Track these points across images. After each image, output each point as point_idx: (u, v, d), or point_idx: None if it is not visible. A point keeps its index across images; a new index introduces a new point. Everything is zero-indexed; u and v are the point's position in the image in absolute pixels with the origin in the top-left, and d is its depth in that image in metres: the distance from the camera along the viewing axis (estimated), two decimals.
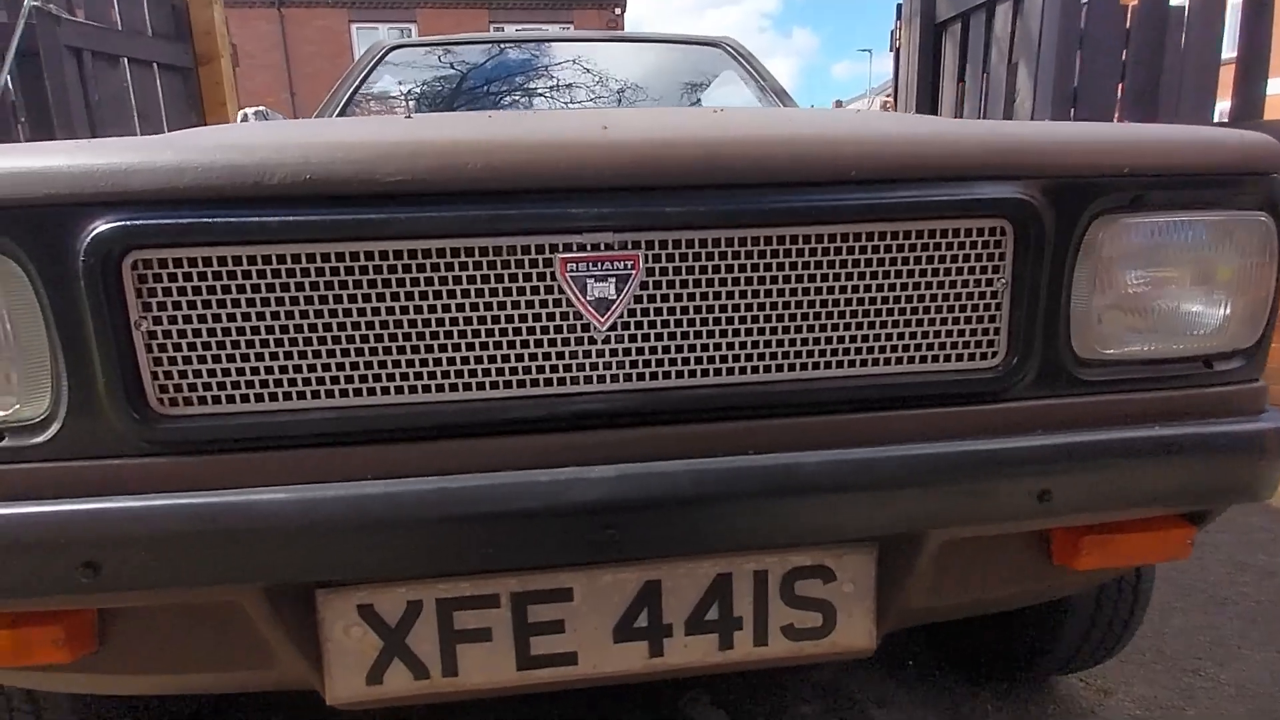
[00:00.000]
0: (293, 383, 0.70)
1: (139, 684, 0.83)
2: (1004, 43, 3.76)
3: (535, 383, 0.72)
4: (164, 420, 0.69)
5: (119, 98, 3.65)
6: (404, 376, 0.71)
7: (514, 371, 0.71)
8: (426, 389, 0.71)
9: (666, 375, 0.73)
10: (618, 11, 18.06)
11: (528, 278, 0.69)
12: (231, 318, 0.68)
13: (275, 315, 0.68)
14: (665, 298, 0.71)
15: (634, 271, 0.70)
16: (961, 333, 0.76)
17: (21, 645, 0.73)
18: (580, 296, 0.70)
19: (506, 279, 0.69)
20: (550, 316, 0.71)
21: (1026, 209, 0.72)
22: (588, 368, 0.72)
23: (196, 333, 0.68)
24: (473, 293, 0.69)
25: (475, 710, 1.34)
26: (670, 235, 0.70)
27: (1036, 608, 1.20)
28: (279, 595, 0.74)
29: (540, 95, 2.40)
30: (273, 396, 0.70)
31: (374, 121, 0.93)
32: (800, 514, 0.74)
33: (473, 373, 0.71)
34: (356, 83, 2.30)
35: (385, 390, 0.71)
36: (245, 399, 0.70)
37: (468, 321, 0.70)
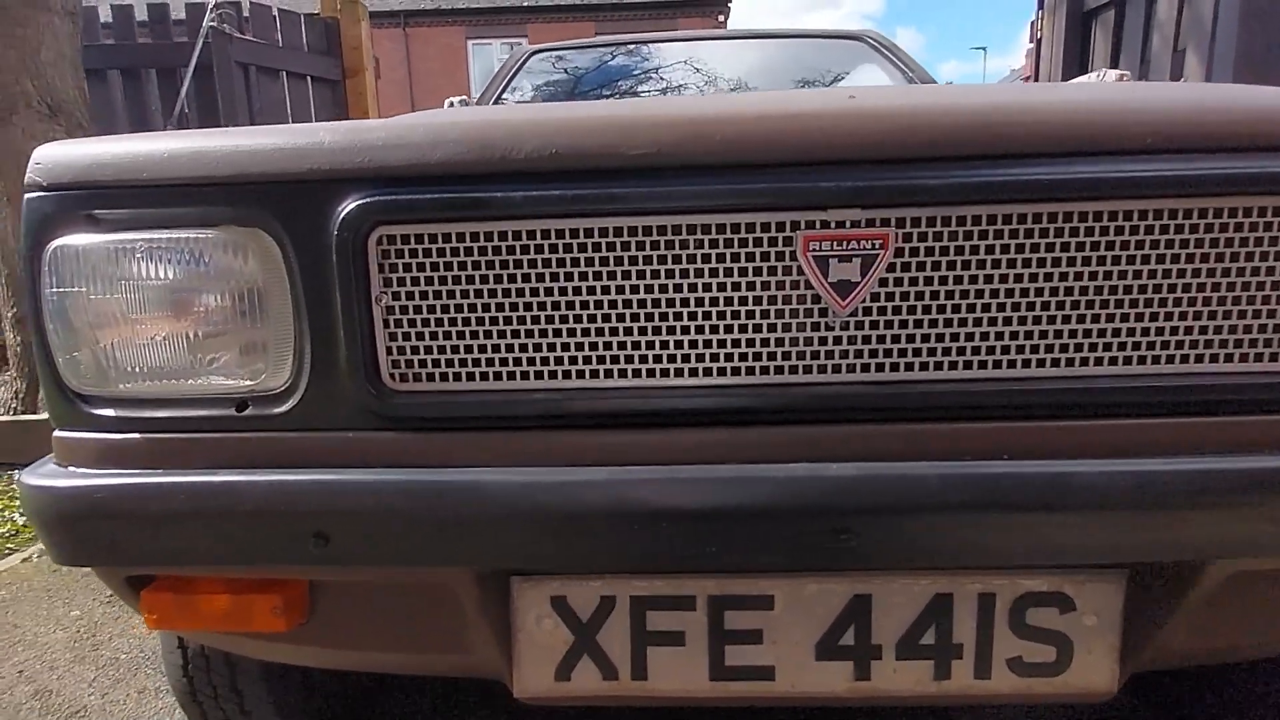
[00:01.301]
0: (519, 362, 0.68)
1: (337, 658, 0.84)
2: (1168, 27, 3.45)
3: (765, 370, 0.67)
4: (397, 395, 0.69)
5: (277, 107, 3.94)
6: (629, 359, 0.68)
7: (743, 358, 0.67)
8: (651, 373, 0.68)
9: (910, 367, 0.67)
10: (720, 18, 18.03)
11: (765, 256, 0.65)
12: (465, 294, 0.67)
13: (508, 292, 0.67)
14: (914, 281, 0.65)
15: (882, 252, 0.65)
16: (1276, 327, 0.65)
17: (243, 611, 0.75)
18: (821, 278, 0.65)
19: (743, 258, 0.65)
20: (786, 299, 0.66)
21: None
22: (822, 355, 0.67)
23: (431, 309, 0.68)
24: (706, 272, 0.66)
25: None
26: (927, 212, 0.64)
27: None
28: (488, 580, 0.73)
29: (685, 93, 2.38)
30: (498, 376, 0.69)
31: (602, 103, 0.91)
32: (1049, 531, 0.66)
33: (699, 357, 0.67)
34: (503, 85, 2.36)
35: (609, 373, 0.68)
36: (473, 377, 0.69)
37: (699, 303, 0.66)
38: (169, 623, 0.77)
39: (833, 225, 0.65)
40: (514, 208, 0.64)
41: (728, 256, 0.65)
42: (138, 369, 0.71)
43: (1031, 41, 4.33)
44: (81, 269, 0.68)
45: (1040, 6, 4.19)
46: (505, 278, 0.67)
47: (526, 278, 0.67)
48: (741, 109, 0.65)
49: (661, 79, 2.43)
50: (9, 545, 2.31)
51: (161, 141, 0.67)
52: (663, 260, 0.66)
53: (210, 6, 3.56)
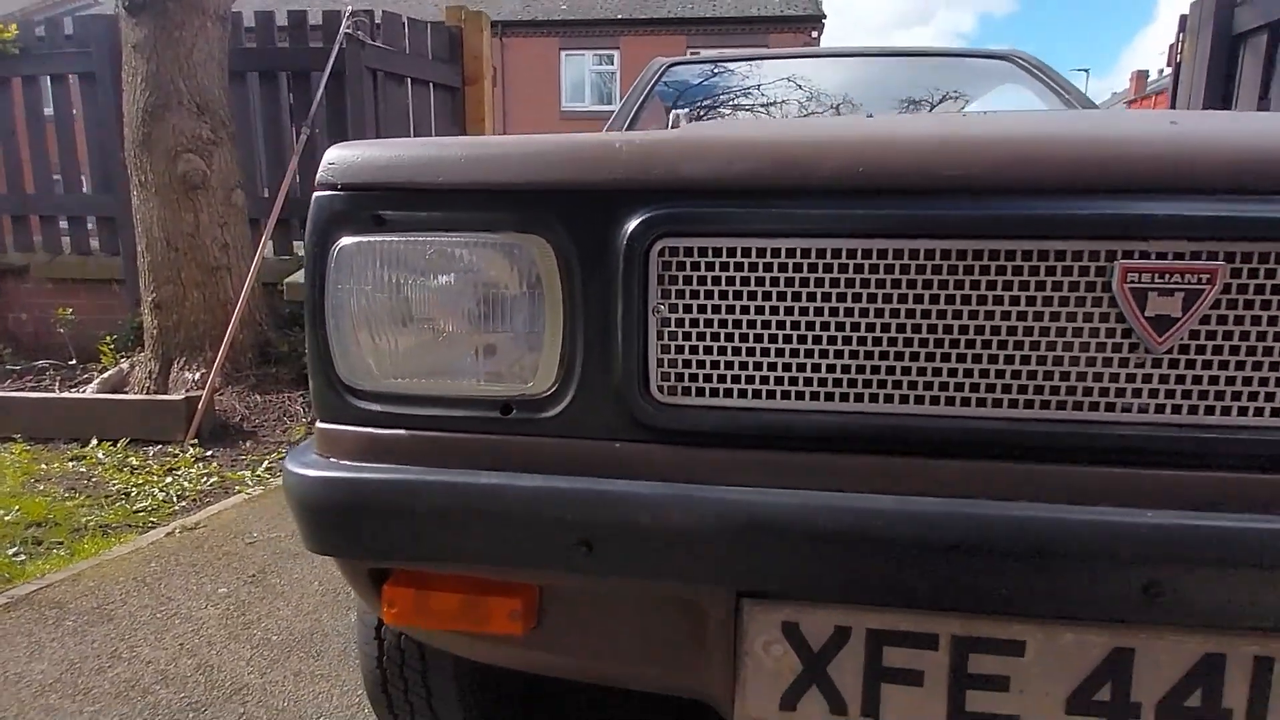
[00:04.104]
0: (794, 382, 0.67)
1: (558, 665, 0.84)
2: None
3: (1063, 405, 0.64)
4: (665, 408, 0.68)
5: (400, 113, 4.09)
6: (912, 385, 0.65)
7: (1039, 390, 0.64)
8: (936, 400, 0.65)
9: (1228, 411, 0.62)
10: (814, 34, 17.87)
11: (1076, 286, 0.62)
12: (745, 310, 0.66)
13: (790, 310, 0.65)
14: (1240, 319, 0.61)
15: (1209, 287, 0.60)
16: None
17: (481, 612, 0.76)
18: (1137, 312, 0.61)
19: (1050, 286, 0.62)
20: (1094, 332, 0.62)
21: None
22: (1129, 393, 0.63)
23: (708, 323, 0.67)
24: (1007, 299, 0.63)
25: None
26: (1261, 247, 0.59)
27: None
28: (739, 600, 0.71)
29: (821, 109, 2.35)
30: (771, 394, 0.67)
31: (907, 119, 0.87)
32: None
33: (991, 387, 0.64)
34: (642, 98, 2.37)
35: (889, 399, 0.66)
36: (744, 394, 0.67)
37: (995, 331, 0.63)
38: (407, 619, 0.78)
39: (1153, 256, 0.60)
40: (811, 224, 0.62)
41: (1032, 284, 0.62)
42: (408, 366, 0.72)
43: (1170, 65, 4.11)
44: (366, 267, 0.70)
45: (1182, 29, 3.97)
46: (790, 295, 0.65)
47: (812, 296, 0.65)
48: (1062, 132, 0.62)
49: (802, 94, 2.40)
50: (150, 519, 2.45)
51: (454, 147, 0.69)
52: (960, 285, 0.63)
53: (348, 14, 3.72)
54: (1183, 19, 4.05)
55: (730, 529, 0.65)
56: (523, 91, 17.44)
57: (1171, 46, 4.10)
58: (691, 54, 2.83)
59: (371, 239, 0.70)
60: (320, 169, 0.72)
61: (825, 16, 17.34)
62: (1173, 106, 4.11)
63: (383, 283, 0.70)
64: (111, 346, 4.07)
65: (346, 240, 0.71)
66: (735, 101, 2.44)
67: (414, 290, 0.70)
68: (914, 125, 0.67)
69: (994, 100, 2.47)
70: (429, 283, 0.70)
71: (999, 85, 2.46)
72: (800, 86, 2.41)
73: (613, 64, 17.82)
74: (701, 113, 2.37)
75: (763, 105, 2.38)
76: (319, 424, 0.76)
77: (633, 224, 0.65)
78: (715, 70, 2.66)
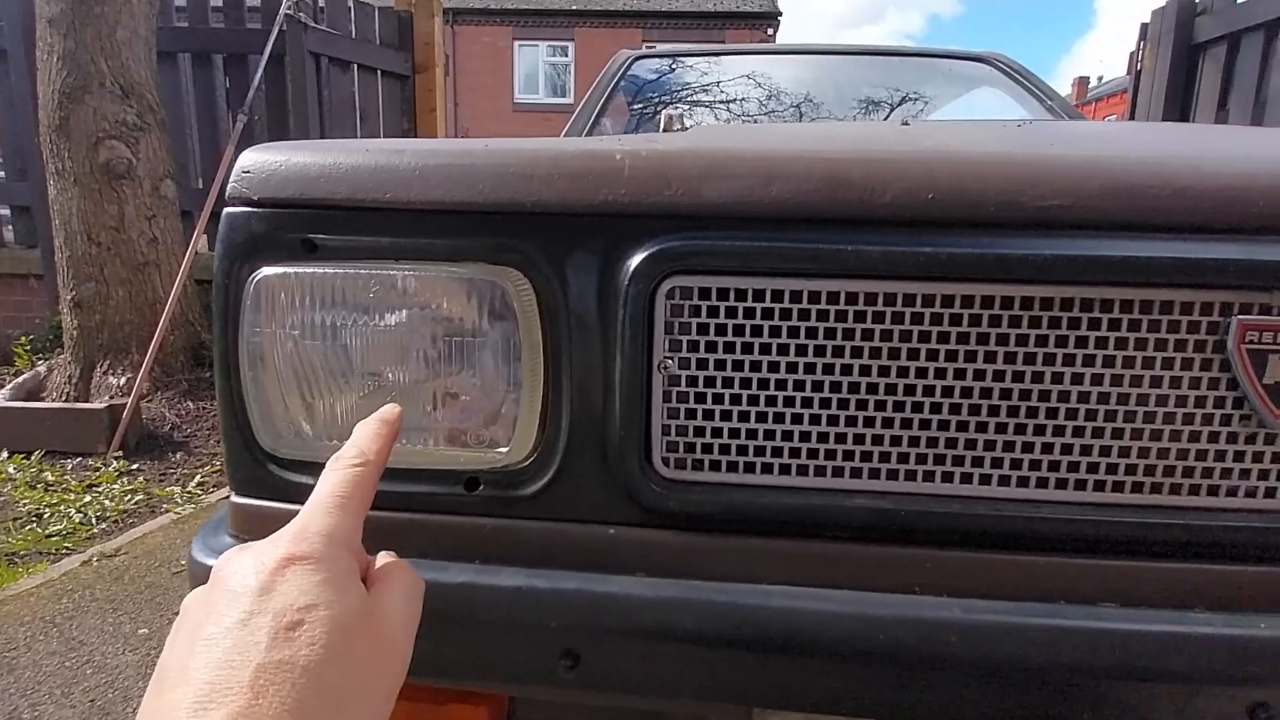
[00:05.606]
0: (832, 455, 0.54)
1: None
2: None
3: (1157, 488, 0.52)
4: (672, 485, 0.55)
5: (346, 100, 3.85)
6: (976, 462, 0.53)
7: (1130, 470, 0.52)
8: (1005, 481, 0.53)
9: None
10: (770, 31, 17.89)
11: (1181, 346, 0.50)
12: (774, 367, 0.53)
13: (831, 368, 0.53)
14: None
15: None
16: None
17: None
18: (1254, 379, 0.50)
19: (1152, 345, 0.51)
20: (1200, 401, 0.51)
21: None
22: (1235, 475, 0.52)
23: (728, 382, 0.54)
24: (1099, 360, 0.51)
25: None
26: None
27: None
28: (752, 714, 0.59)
29: (792, 110, 2.24)
30: (803, 470, 0.54)
31: (993, 132, 0.73)
32: None
33: (1072, 466, 0.53)
34: (608, 92, 2.23)
35: (948, 477, 0.54)
36: (770, 469, 0.55)
37: (1082, 398, 0.52)
38: None
39: (1275, 312, 0.50)
40: (868, 263, 0.49)
41: (1131, 342, 0.51)
42: (348, 430, 0.57)
43: (1130, 73, 4.14)
44: (293, 305, 0.55)
45: (1143, 37, 4.00)
46: (831, 350, 0.52)
47: (858, 351, 0.52)
48: (1178, 157, 0.50)
49: (770, 93, 2.28)
50: (65, 545, 2.21)
51: (407, 154, 0.54)
52: (1042, 342, 0.51)
53: None
54: (1144, 27, 4.08)
55: (754, 639, 0.52)
56: (474, 82, 17.02)
57: (1132, 55, 4.13)
58: (647, 47, 2.70)
59: (300, 269, 0.55)
60: (232, 177, 0.56)
61: (781, 13, 17.37)
62: (1132, 115, 4.13)
63: (314, 326, 0.55)
64: (27, 348, 3.74)
65: (267, 271, 0.55)
66: (698, 98, 2.31)
67: (354, 335, 0.55)
68: (999, 142, 0.55)
69: (970, 104, 2.40)
70: (374, 325, 0.55)
71: (976, 89, 2.39)
72: (763, 85, 2.30)
73: (567, 55, 17.52)
74: (673, 109, 2.24)
75: (727, 101, 2.26)
76: (234, 498, 0.61)
77: (637, 258, 0.51)
78: (674, 65, 2.53)
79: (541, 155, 0.52)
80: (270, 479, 0.59)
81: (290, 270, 0.55)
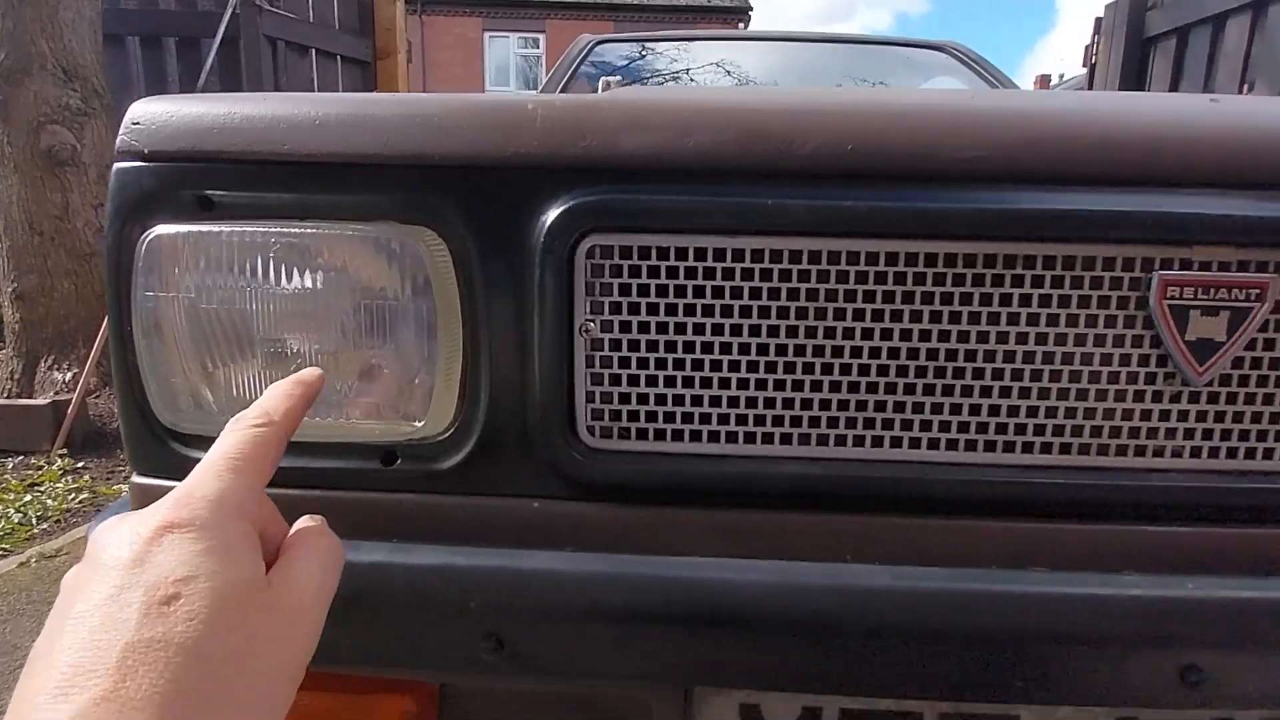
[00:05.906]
0: (761, 421, 0.52)
1: None
2: (1236, 58, 3.34)
3: (1085, 449, 0.52)
4: (598, 455, 0.53)
5: (304, 86, 3.75)
6: (906, 425, 0.52)
7: (1057, 431, 0.51)
8: (934, 444, 0.52)
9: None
10: (741, 25, 17.93)
11: (1105, 303, 0.50)
12: (700, 328, 0.51)
13: (757, 329, 0.51)
14: None
15: (1257, 305, 0.49)
16: None
17: (363, 715, 0.59)
18: (1177, 335, 0.49)
19: (1075, 302, 0.50)
20: (1124, 360, 0.50)
21: None
22: (1161, 434, 0.51)
23: (653, 345, 0.52)
24: (1024, 318, 0.50)
25: None
26: None
27: None
28: (690, 689, 0.57)
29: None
30: (732, 437, 0.53)
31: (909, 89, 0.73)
32: None
33: (1001, 427, 0.52)
34: (568, 75, 2.20)
35: (878, 441, 0.52)
36: (698, 436, 0.53)
37: (1009, 357, 0.51)
38: None
39: (1195, 267, 0.49)
40: (789, 218, 0.48)
41: (1054, 299, 0.50)
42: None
43: (1085, 66, 4.22)
44: (188, 267, 0.52)
45: (1097, 31, 4.07)
46: (757, 310, 0.51)
47: (784, 312, 0.50)
48: (1099, 110, 0.49)
49: (737, 80, 2.27)
50: (2, 546, 2.12)
51: (308, 104, 0.51)
52: (967, 300, 0.50)
53: None
54: (1098, 21, 4.15)
55: (685, 615, 0.50)
56: (444, 73, 16.79)
57: (1087, 48, 4.21)
58: None
59: (195, 228, 0.52)
60: (121, 129, 0.53)
61: (751, 8, 17.42)
62: None
63: (212, 289, 0.52)
64: None
65: (160, 230, 0.52)
66: (662, 84, 2.29)
67: (255, 299, 0.52)
68: (922, 97, 0.54)
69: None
70: (276, 289, 0.52)
71: (934, 76, 2.41)
72: (730, 72, 2.29)
73: (538, 47, 17.37)
74: (613, 78, 2.22)
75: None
76: (135, 478, 0.57)
77: (553, 214, 0.49)
78: (644, 51, 2.50)
79: (450, 104, 0.50)
80: (171, 456, 0.55)
81: (185, 229, 0.51)
